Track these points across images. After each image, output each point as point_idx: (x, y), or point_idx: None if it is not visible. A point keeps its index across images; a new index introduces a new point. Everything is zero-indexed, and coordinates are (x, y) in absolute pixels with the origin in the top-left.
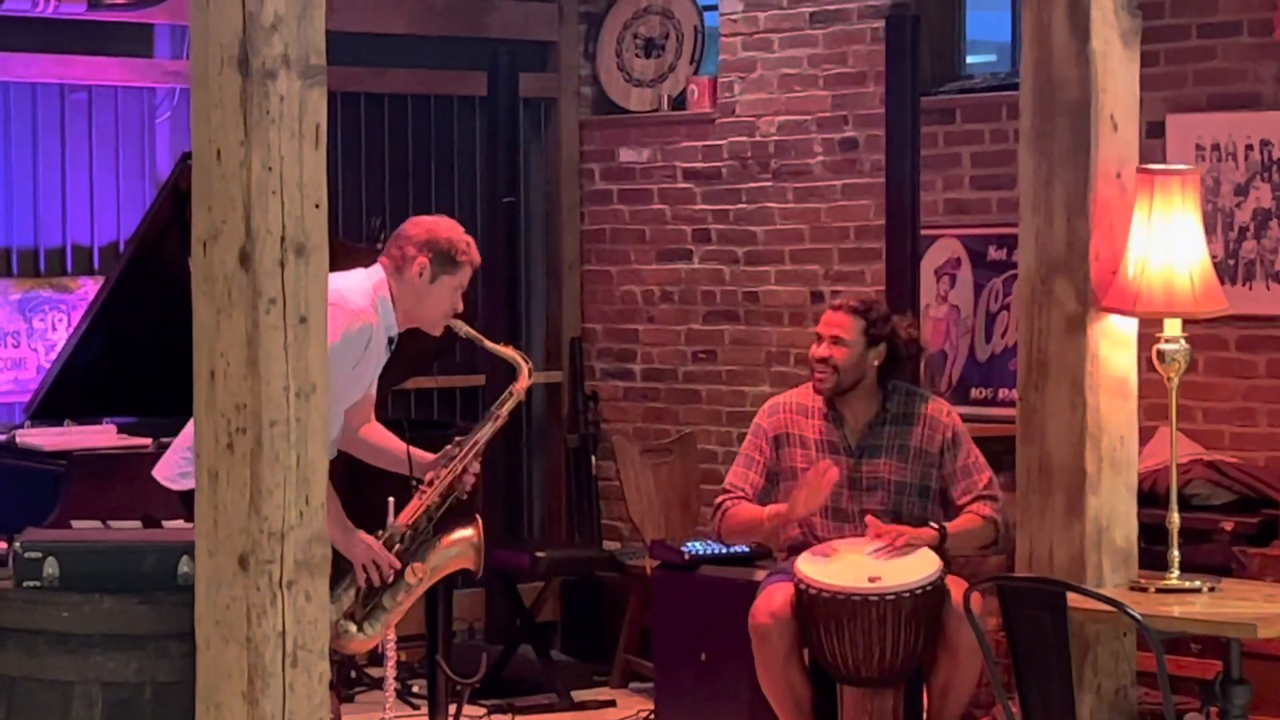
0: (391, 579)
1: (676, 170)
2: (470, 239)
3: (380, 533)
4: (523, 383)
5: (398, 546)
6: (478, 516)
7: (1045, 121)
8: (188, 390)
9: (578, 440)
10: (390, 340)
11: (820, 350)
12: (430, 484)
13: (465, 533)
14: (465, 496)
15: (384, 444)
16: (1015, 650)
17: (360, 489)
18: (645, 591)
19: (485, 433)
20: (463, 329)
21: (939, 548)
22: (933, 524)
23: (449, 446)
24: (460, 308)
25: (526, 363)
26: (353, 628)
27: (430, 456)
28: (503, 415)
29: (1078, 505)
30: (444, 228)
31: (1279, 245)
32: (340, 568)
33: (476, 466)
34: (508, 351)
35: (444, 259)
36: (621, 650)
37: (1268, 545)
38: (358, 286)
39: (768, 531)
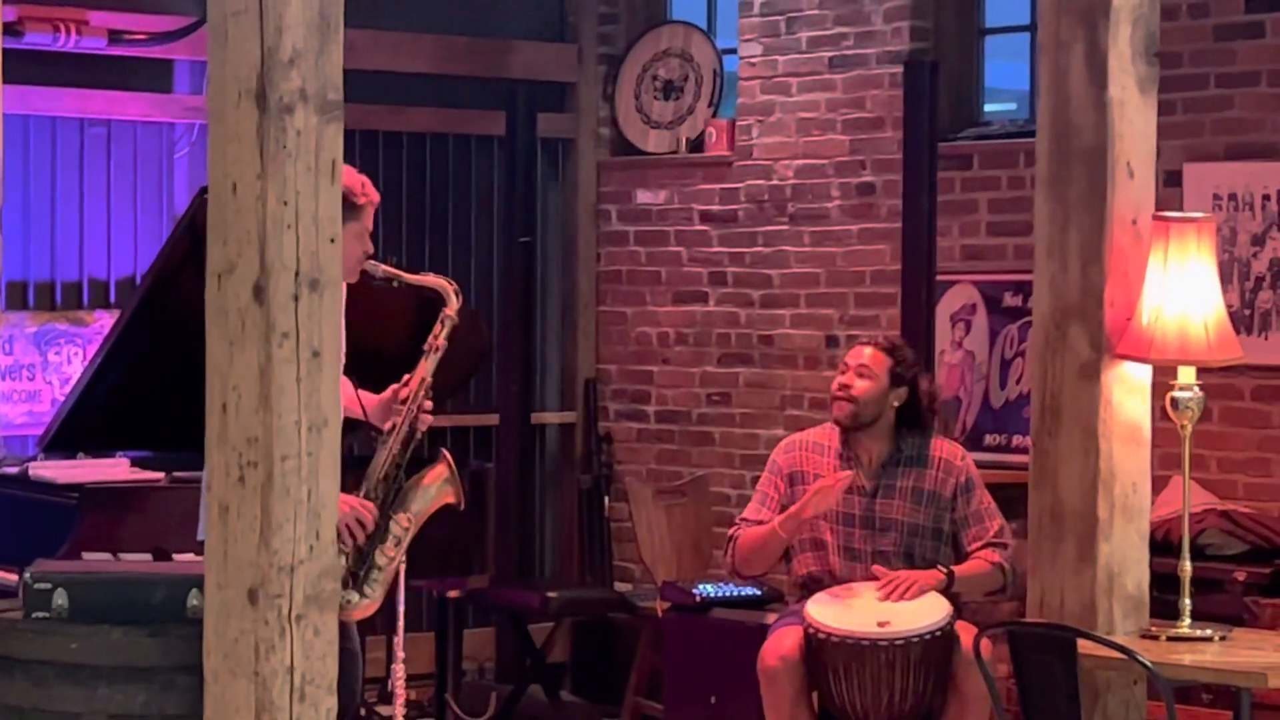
0: (373, 530)
1: (693, 212)
2: (365, 178)
3: (356, 492)
4: (452, 307)
5: (376, 501)
6: (443, 450)
7: (1062, 168)
8: (201, 425)
9: (590, 481)
10: None
11: (844, 378)
12: (391, 431)
13: (437, 469)
14: (422, 436)
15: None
16: (1025, 697)
17: None
18: (656, 633)
19: (430, 367)
20: (378, 269)
21: (946, 591)
22: (941, 567)
23: (396, 386)
24: (371, 250)
25: (452, 285)
26: (355, 596)
27: (376, 399)
28: (440, 345)
29: (1089, 552)
30: None
31: None
32: None
33: (429, 404)
34: (430, 280)
35: (344, 206)
36: (631, 692)
37: (1279, 596)
38: None
39: (781, 541)
